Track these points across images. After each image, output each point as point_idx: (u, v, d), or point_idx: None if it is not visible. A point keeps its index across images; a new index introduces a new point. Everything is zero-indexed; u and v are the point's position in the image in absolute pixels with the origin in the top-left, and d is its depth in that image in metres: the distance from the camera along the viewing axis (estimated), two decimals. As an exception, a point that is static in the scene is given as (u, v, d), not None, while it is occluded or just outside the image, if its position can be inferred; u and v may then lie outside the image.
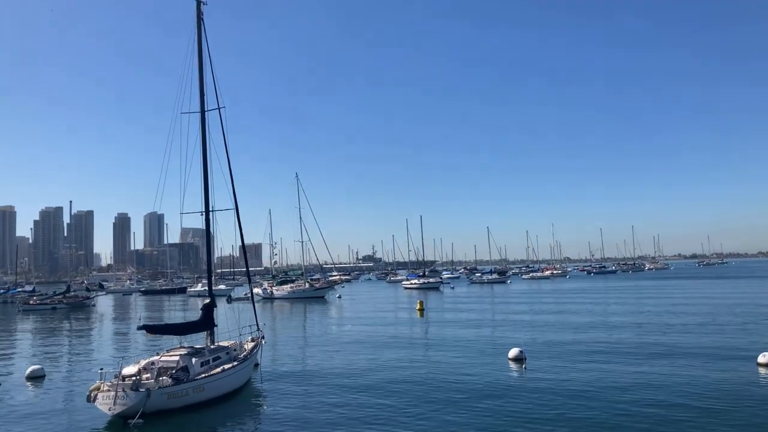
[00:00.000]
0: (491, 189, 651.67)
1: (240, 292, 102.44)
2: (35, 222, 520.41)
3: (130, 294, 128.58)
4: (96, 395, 18.00)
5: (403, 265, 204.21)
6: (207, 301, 23.70)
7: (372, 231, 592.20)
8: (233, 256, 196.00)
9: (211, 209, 23.64)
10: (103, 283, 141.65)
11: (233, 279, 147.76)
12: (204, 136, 23.48)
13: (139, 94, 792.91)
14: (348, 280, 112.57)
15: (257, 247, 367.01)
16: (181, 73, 23.21)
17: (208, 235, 23.65)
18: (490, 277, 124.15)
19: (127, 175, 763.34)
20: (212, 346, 22.49)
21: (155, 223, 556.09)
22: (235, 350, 23.21)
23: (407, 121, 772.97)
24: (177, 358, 19.95)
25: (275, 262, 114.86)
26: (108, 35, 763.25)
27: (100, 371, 19.25)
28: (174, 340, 24.25)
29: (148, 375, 18.90)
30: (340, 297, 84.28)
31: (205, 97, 23.56)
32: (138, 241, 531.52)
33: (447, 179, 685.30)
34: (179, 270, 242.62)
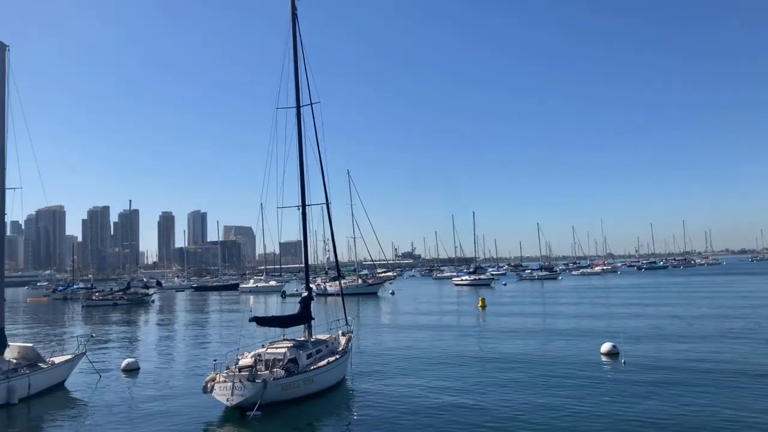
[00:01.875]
0: (534, 185, 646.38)
1: (288, 288, 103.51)
2: (83, 221, 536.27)
3: (182, 290, 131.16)
4: (213, 386, 18.28)
5: (444, 262, 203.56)
6: (305, 294, 23.91)
7: (409, 228, 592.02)
8: (273, 253, 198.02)
9: (307, 203, 23.85)
10: (161, 281, 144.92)
11: (280, 275, 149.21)
12: (300, 132, 23.70)
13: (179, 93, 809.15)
14: (393, 277, 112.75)
15: (297, 244, 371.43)
16: (281, 69, 23.52)
17: (304, 229, 23.87)
18: (540, 273, 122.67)
19: (170, 173, 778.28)
20: (312, 339, 22.69)
21: (198, 221, 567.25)
22: (332, 343, 23.38)
23: (449, 118, 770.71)
24: (284, 350, 20.14)
25: (328, 258, 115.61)
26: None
27: (214, 362, 19.59)
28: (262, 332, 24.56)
29: (260, 366, 19.15)
30: (393, 293, 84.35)
31: (300, 92, 23.75)
32: (182, 238, 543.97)
33: (488, 176, 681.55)
34: (223, 267, 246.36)
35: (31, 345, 23.68)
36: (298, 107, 23.94)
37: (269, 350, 20.37)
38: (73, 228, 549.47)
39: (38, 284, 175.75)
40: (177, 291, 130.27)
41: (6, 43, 23.95)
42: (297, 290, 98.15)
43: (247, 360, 19.06)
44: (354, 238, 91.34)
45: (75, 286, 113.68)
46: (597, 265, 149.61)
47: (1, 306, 23.61)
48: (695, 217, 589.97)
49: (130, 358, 28.23)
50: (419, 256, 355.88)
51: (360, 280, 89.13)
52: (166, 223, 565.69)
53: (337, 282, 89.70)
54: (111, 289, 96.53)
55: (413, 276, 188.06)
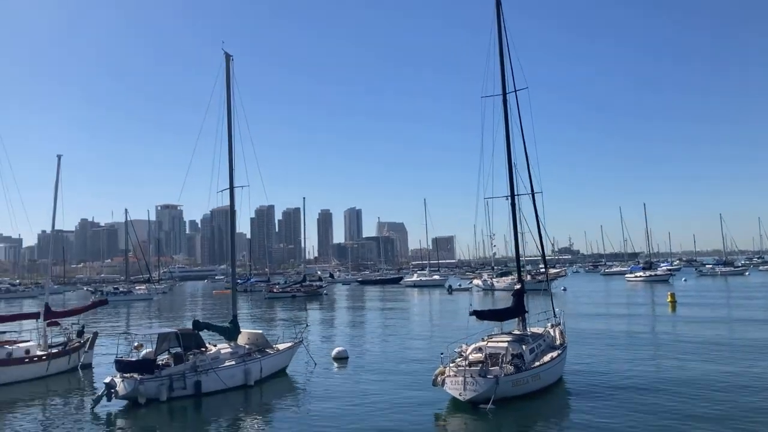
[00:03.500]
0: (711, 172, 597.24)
1: (451, 282, 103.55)
2: (251, 220, 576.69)
3: (348, 284, 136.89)
4: (443, 380, 18.40)
5: (608, 257, 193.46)
6: (518, 286, 23.45)
7: (563, 222, 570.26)
8: (427, 248, 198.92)
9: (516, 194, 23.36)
10: (333, 274, 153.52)
11: (438, 270, 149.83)
12: (507, 120, 23.24)
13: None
14: (564, 273, 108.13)
15: (449, 240, 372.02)
16: (485, 60, 23.33)
17: (514, 220, 23.38)
18: (723, 269, 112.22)
19: (329, 172, 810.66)
20: (529, 333, 22.13)
21: (354, 217, 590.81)
22: (548, 337, 22.67)
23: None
24: (505, 344, 19.79)
25: (494, 254, 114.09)
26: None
27: (441, 355, 19.71)
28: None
29: (488, 361, 18.93)
30: (564, 290, 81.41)
31: (506, 80, 23.34)
32: (339, 234, 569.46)
33: (660, 160, 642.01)
34: (378, 262, 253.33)
35: (260, 332, 25.39)
36: (504, 94, 23.50)
37: (490, 343, 20.12)
38: (242, 226, 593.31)
39: (216, 278, 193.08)
40: (343, 284, 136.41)
41: (230, 53, 25.90)
42: (460, 285, 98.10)
43: (473, 354, 18.97)
44: (522, 233, 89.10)
45: (253, 280, 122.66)
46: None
47: (234, 295, 25.62)
48: None
49: (339, 347, 29.34)
50: (577, 252, 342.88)
51: (528, 277, 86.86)
52: (324, 220, 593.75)
53: (504, 278, 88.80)
54: (286, 281, 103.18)
55: (576, 272, 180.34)
